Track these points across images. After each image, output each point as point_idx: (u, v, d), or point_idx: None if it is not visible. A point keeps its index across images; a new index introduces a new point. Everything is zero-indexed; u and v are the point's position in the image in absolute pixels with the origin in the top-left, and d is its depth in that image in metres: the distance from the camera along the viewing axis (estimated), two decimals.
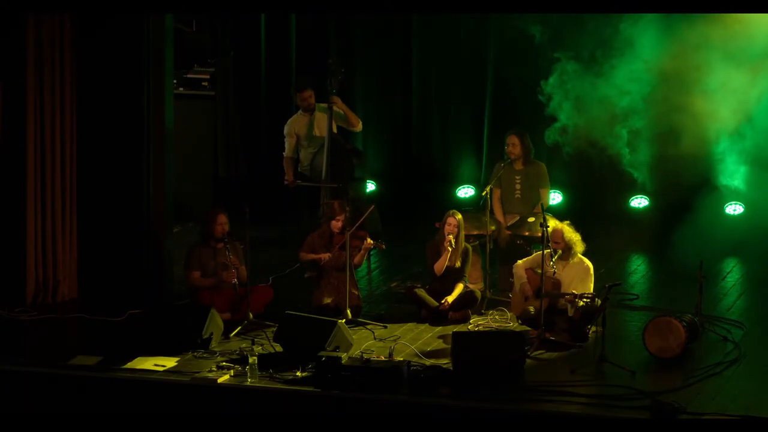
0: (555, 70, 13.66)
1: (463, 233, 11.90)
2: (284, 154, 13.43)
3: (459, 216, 11.85)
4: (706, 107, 13.51)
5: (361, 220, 11.81)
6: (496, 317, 11.68)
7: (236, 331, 11.25)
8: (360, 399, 9.71)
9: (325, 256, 11.71)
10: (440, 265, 11.79)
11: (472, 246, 12.22)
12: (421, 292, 11.75)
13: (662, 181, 14.28)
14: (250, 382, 10.00)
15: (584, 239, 11.46)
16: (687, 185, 13.95)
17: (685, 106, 13.56)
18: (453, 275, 11.81)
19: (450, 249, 11.73)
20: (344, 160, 13.20)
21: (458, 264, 11.82)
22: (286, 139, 13.41)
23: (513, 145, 12.81)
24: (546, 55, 14.04)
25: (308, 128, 13.28)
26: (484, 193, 12.40)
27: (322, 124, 13.24)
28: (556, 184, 14.53)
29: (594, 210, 14.52)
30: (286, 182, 13.34)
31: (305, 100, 13.30)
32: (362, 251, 11.78)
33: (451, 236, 11.72)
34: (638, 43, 13.65)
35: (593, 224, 13.17)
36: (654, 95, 13.86)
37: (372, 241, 11.72)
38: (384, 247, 11.91)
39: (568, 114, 13.74)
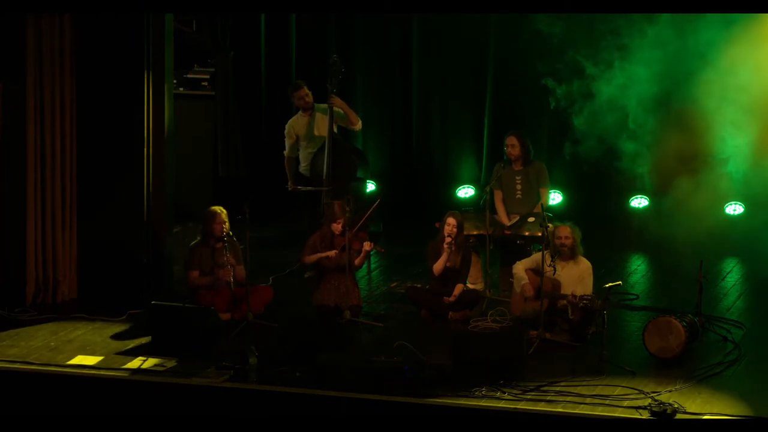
0: (567, 73, 13.71)
1: (463, 234, 11.90)
2: (285, 153, 13.43)
3: (459, 217, 11.84)
4: (718, 107, 13.55)
5: (366, 216, 11.82)
6: (496, 317, 11.68)
7: (236, 330, 11.25)
8: (360, 399, 9.71)
9: (332, 253, 11.72)
10: (439, 266, 11.79)
11: (471, 246, 12.22)
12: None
13: (665, 181, 14.29)
14: (250, 383, 10.00)
15: (584, 239, 11.46)
16: (689, 184, 13.96)
17: (698, 105, 13.60)
18: (453, 276, 11.81)
19: (448, 250, 11.73)
20: (345, 161, 13.19)
21: (458, 264, 11.81)
22: (286, 139, 13.40)
23: (512, 146, 12.81)
24: (549, 55, 14.06)
25: (308, 128, 13.26)
26: (485, 194, 12.42)
27: (322, 125, 13.23)
28: (556, 184, 14.52)
29: (594, 210, 14.52)
30: (288, 188, 13.31)
31: (302, 99, 13.28)
32: (362, 254, 11.79)
33: (449, 237, 11.72)
34: (652, 44, 13.69)
35: (593, 224, 13.18)
36: (668, 96, 13.90)
37: (372, 244, 11.73)
38: (384, 250, 11.93)
39: (584, 121, 13.78)
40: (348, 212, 11.72)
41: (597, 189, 14.71)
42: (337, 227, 11.75)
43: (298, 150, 13.39)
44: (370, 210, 11.92)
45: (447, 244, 11.72)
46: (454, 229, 11.75)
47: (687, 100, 13.75)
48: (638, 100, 13.95)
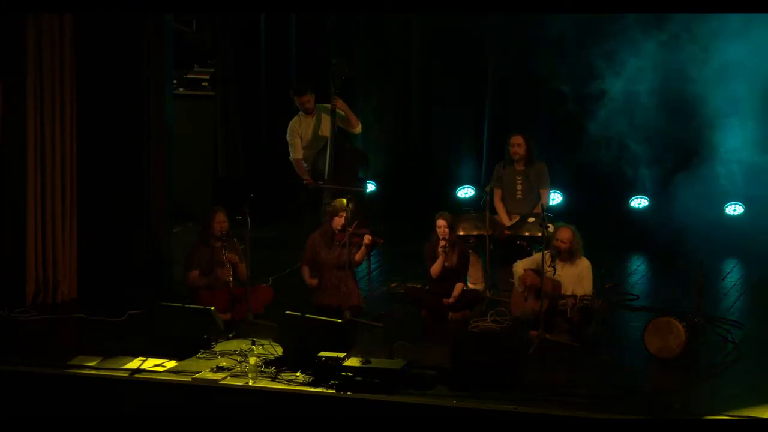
0: (568, 73, 13.73)
1: (455, 233, 11.89)
2: (291, 157, 13.25)
3: (448, 217, 11.81)
4: (721, 107, 13.57)
5: (354, 225, 11.80)
6: (496, 318, 11.68)
7: (236, 331, 11.25)
8: (360, 399, 9.72)
9: (314, 282, 11.79)
10: (436, 269, 11.78)
11: (471, 246, 12.22)
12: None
13: (666, 181, 14.31)
14: (251, 383, 10.00)
15: (585, 240, 11.46)
16: (689, 184, 13.98)
17: (700, 105, 13.63)
18: (452, 275, 11.80)
19: (443, 252, 11.71)
20: (346, 161, 13.17)
21: (455, 263, 11.80)
22: (290, 142, 13.26)
23: (518, 145, 12.78)
24: (549, 54, 14.08)
25: (313, 130, 13.22)
26: (485, 192, 12.43)
27: (325, 125, 13.20)
28: (556, 184, 14.52)
29: (594, 210, 14.52)
30: (305, 183, 13.23)
31: (303, 105, 13.23)
32: (362, 248, 11.79)
33: (443, 240, 11.71)
34: (655, 42, 13.71)
35: (593, 224, 13.18)
36: (670, 96, 13.92)
37: (371, 237, 11.74)
38: (382, 241, 11.89)
39: (585, 121, 13.79)
40: (348, 211, 11.73)
41: (597, 189, 14.71)
42: (338, 221, 11.75)
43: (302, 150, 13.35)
44: (353, 225, 11.87)
45: (441, 247, 11.71)
46: (446, 230, 11.74)
47: (689, 100, 13.77)
48: (640, 100, 13.97)
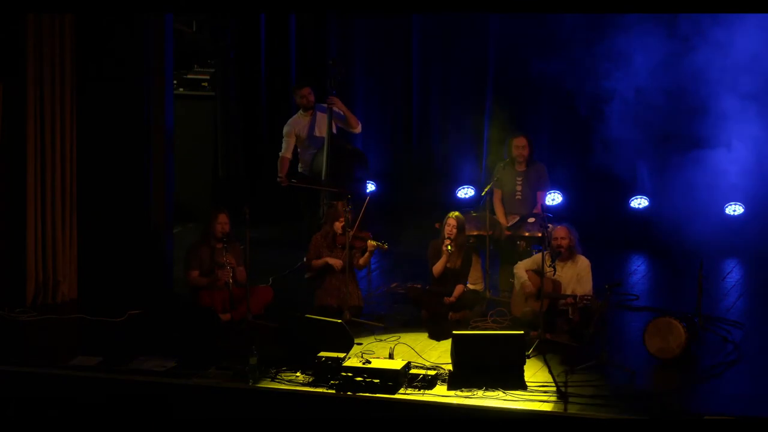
0: (567, 72, 13.72)
1: (464, 235, 11.89)
2: (281, 153, 13.34)
3: (460, 218, 11.82)
4: (723, 106, 13.58)
5: (360, 217, 11.80)
6: (497, 318, 11.68)
7: (236, 331, 11.25)
8: (360, 399, 9.72)
9: (337, 262, 11.71)
10: (439, 267, 11.78)
11: (471, 246, 12.21)
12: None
13: (666, 181, 14.31)
14: (251, 383, 10.00)
15: (584, 239, 11.46)
16: (689, 184, 13.97)
17: (701, 103, 13.63)
18: (453, 276, 11.80)
19: (447, 251, 11.71)
20: (344, 161, 13.18)
21: (459, 265, 11.81)
22: (284, 139, 13.33)
23: (523, 147, 12.75)
24: (548, 54, 14.07)
25: (309, 129, 13.24)
26: (483, 193, 12.43)
27: (323, 125, 13.22)
28: (557, 184, 14.52)
29: (594, 210, 14.52)
30: (278, 180, 13.25)
31: (304, 98, 13.24)
32: (366, 254, 11.79)
33: (449, 239, 11.70)
34: (656, 39, 13.71)
35: (593, 224, 13.18)
36: (670, 94, 13.92)
37: (375, 242, 11.73)
38: (386, 246, 11.88)
39: (585, 120, 13.78)
40: (348, 212, 11.73)
41: (597, 189, 14.71)
42: (339, 225, 11.75)
43: (296, 150, 13.35)
44: (363, 210, 11.88)
45: (446, 246, 11.71)
46: (454, 230, 11.74)
47: (690, 98, 13.77)
48: (640, 99, 13.96)
